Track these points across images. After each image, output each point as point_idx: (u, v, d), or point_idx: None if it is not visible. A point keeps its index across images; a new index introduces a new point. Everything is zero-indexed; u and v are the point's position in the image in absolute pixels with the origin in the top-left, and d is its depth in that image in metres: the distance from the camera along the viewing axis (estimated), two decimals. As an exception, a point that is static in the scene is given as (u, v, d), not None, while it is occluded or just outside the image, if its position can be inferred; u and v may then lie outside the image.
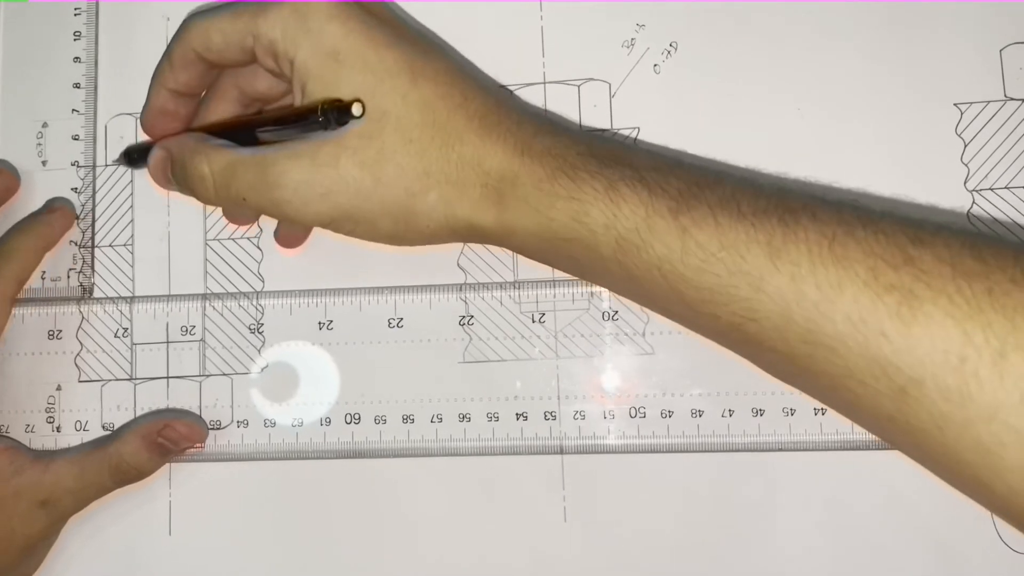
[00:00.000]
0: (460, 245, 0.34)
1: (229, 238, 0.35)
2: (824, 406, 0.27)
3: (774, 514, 0.32)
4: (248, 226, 0.35)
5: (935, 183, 0.32)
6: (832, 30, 0.33)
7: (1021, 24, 0.32)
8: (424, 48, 0.29)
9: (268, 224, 0.35)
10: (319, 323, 0.34)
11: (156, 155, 0.31)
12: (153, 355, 0.35)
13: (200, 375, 0.35)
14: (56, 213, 0.35)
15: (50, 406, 0.35)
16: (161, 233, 0.35)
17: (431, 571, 0.33)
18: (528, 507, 0.33)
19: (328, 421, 0.34)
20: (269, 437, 0.34)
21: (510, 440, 0.33)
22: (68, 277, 0.35)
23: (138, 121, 0.35)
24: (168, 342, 0.35)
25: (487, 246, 0.34)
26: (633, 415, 0.33)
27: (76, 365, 0.35)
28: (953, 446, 0.22)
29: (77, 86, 0.36)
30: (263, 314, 0.35)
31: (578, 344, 0.33)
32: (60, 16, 0.36)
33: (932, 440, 0.22)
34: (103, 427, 0.35)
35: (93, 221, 0.36)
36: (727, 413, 0.32)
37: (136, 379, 0.35)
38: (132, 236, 0.35)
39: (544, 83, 0.34)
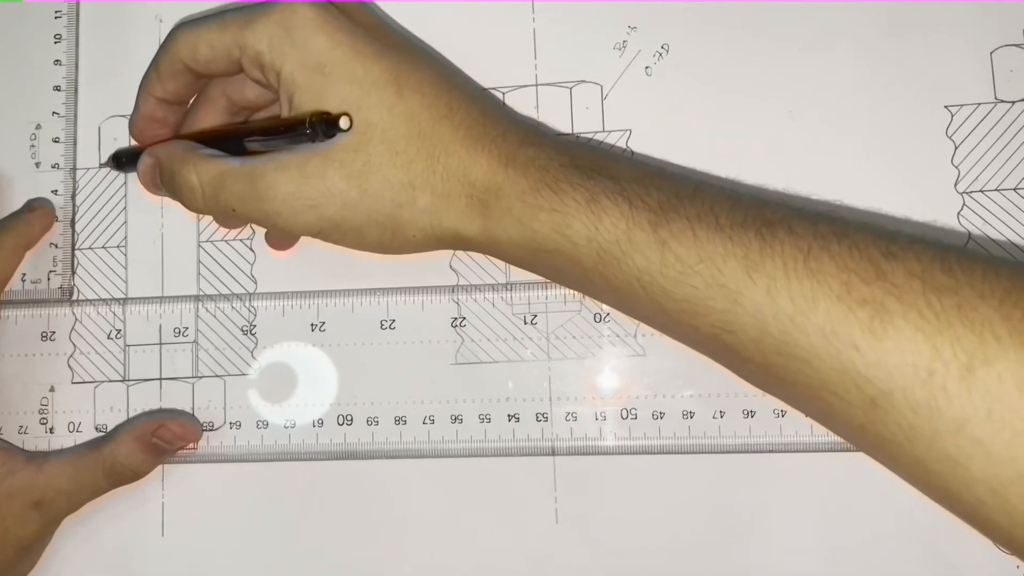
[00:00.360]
0: (452, 247, 0.34)
1: (222, 240, 0.35)
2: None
3: (765, 515, 0.32)
4: (239, 229, 0.35)
5: (926, 185, 0.32)
6: (823, 32, 0.33)
7: (1011, 26, 0.32)
8: (410, 57, 0.29)
9: (260, 227, 0.35)
10: (312, 324, 0.34)
11: (145, 163, 0.31)
12: (146, 356, 0.35)
13: (193, 376, 0.35)
14: (36, 212, 0.35)
15: (43, 407, 0.35)
16: (154, 235, 0.36)
17: (423, 572, 0.33)
18: (520, 508, 0.33)
19: (320, 422, 0.34)
20: (262, 438, 0.34)
21: (502, 441, 0.33)
22: (48, 279, 0.35)
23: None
24: (161, 344, 0.35)
25: (479, 248, 0.34)
26: (625, 416, 0.33)
27: (69, 366, 0.35)
28: (922, 457, 0.22)
29: (58, 89, 0.36)
30: (256, 316, 0.35)
31: (570, 346, 0.33)
32: (43, 18, 0.36)
33: (902, 451, 0.22)
34: (96, 428, 0.35)
35: (73, 223, 0.36)
36: (718, 414, 0.32)
37: (129, 380, 0.35)
38: (125, 238, 0.36)
39: (536, 85, 0.34)
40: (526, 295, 0.33)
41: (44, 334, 0.35)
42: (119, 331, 0.35)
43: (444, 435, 0.33)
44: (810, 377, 0.23)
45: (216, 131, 0.32)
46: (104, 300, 0.35)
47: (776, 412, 0.32)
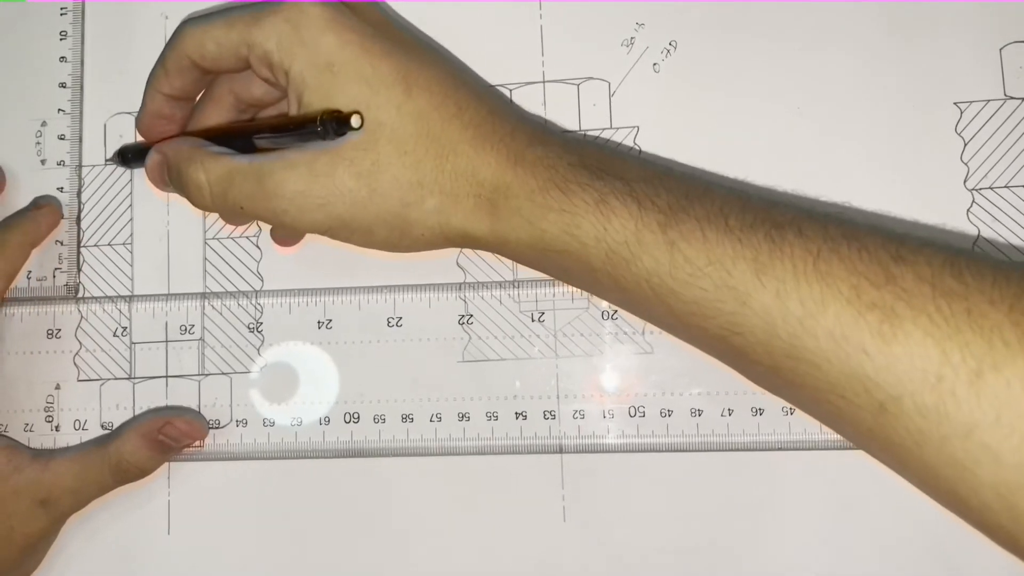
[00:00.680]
0: (459, 244, 0.34)
1: (228, 237, 0.35)
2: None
3: (774, 513, 0.32)
4: (245, 226, 0.35)
5: (935, 182, 0.32)
6: (832, 29, 0.33)
7: (1021, 23, 0.32)
8: (418, 55, 0.29)
9: (266, 223, 0.35)
10: (318, 322, 0.34)
11: (153, 159, 0.31)
12: (152, 354, 0.35)
13: (199, 374, 0.35)
14: (43, 210, 0.35)
15: (49, 405, 0.35)
16: (160, 232, 0.35)
17: (430, 570, 0.33)
18: (527, 506, 0.33)
19: (327, 420, 0.34)
20: (268, 436, 0.34)
21: (509, 439, 0.33)
22: (54, 276, 0.35)
23: (135, 120, 0.35)
24: (167, 341, 0.35)
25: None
26: (632, 414, 0.33)
27: (75, 364, 0.35)
28: (930, 462, 0.22)
29: (63, 86, 0.36)
30: (262, 313, 0.35)
31: (577, 343, 0.33)
32: (48, 15, 0.36)
33: (910, 455, 0.22)
34: (102, 426, 0.35)
35: (79, 220, 0.36)
36: (727, 412, 0.32)
37: (135, 378, 0.35)
38: (131, 235, 0.35)
39: (543, 82, 0.34)
40: (533, 292, 0.33)
41: (50, 332, 0.35)
42: (125, 328, 0.35)
43: (451, 433, 0.33)
44: (819, 380, 0.23)
45: (224, 128, 0.32)
46: (110, 297, 0.35)
47: (785, 410, 0.32)
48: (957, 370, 0.21)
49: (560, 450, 0.33)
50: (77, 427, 0.35)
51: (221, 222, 0.35)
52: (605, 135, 0.34)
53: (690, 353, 0.32)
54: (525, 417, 0.33)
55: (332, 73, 0.28)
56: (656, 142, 0.33)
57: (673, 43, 0.34)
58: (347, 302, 0.34)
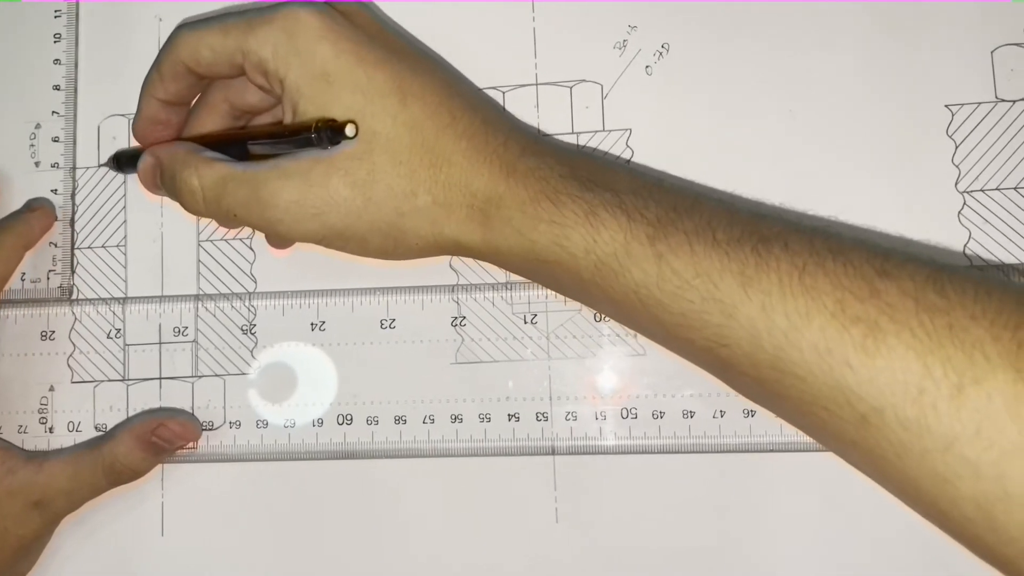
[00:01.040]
0: (452, 246, 0.34)
1: (222, 239, 0.35)
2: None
3: (766, 515, 0.32)
4: (239, 229, 0.35)
5: (926, 184, 0.32)
6: (824, 31, 0.33)
7: (1012, 25, 0.32)
8: (413, 63, 0.29)
9: (260, 231, 0.35)
10: (311, 324, 0.34)
11: (146, 163, 0.31)
12: (146, 356, 0.35)
13: (193, 376, 0.35)
14: (36, 212, 0.35)
15: (43, 407, 0.35)
16: (154, 234, 0.36)
17: (423, 572, 0.33)
18: (520, 508, 0.33)
19: (320, 422, 0.34)
20: (262, 438, 0.34)
21: (502, 441, 0.33)
22: (48, 278, 0.35)
23: (130, 121, 0.36)
24: (161, 343, 0.35)
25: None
26: (625, 416, 0.33)
27: (69, 366, 0.35)
28: (911, 474, 0.22)
29: (57, 88, 0.36)
30: (256, 315, 0.35)
31: (570, 345, 0.33)
32: (42, 18, 0.36)
33: (892, 467, 0.23)
34: (96, 428, 0.35)
35: (73, 223, 0.36)
36: (719, 414, 0.32)
37: (129, 380, 0.35)
38: (125, 237, 0.36)
39: (536, 84, 0.34)
40: (526, 294, 0.33)
41: (44, 333, 0.35)
42: (119, 330, 0.35)
43: (444, 434, 0.33)
44: (803, 392, 0.24)
45: (219, 135, 0.32)
46: (104, 299, 0.35)
47: (776, 411, 0.32)
48: (939, 384, 0.21)
49: (552, 451, 0.33)
50: (71, 429, 0.35)
51: (215, 224, 0.35)
52: (597, 138, 0.34)
53: (682, 355, 0.32)
54: (518, 419, 0.33)
55: (327, 82, 0.28)
56: (649, 145, 0.34)
57: (666, 46, 0.34)
58: (340, 304, 0.34)
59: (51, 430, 0.35)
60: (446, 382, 0.33)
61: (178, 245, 0.35)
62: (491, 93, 0.34)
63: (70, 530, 0.34)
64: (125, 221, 0.36)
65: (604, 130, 0.34)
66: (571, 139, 0.34)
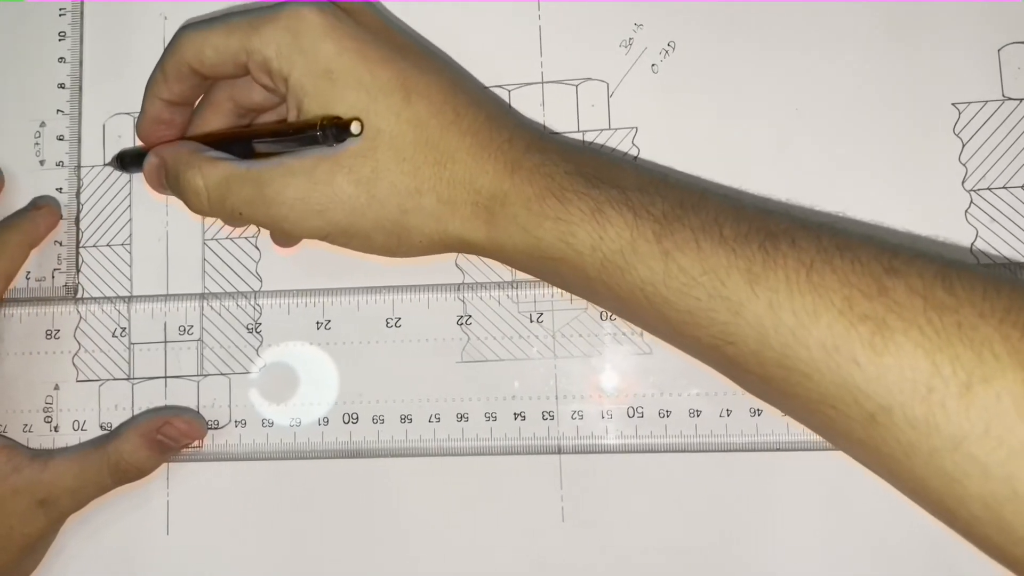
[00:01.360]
0: (458, 245, 0.34)
1: (227, 238, 0.35)
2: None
3: (772, 514, 0.32)
4: (244, 227, 0.35)
5: (933, 182, 0.32)
6: (830, 30, 0.33)
7: (1019, 24, 0.32)
8: (417, 61, 0.29)
9: (265, 229, 0.35)
10: (317, 323, 0.34)
11: (151, 163, 0.31)
12: (151, 355, 0.35)
13: (198, 375, 0.35)
14: (42, 210, 0.35)
15: (48, 406, 0.35)
16: (159, 232, 0.35)
17: (428, 571, 0.33)
18: (526, 507, 0.33)
19: (326, 421, 0.34)
20: (267, 437, 0.34)
21: (508, 440, 0.33)
22: (53, 277, 0.35)
23: (135, 119, 0.36)
24: (166, 342, 0.35)
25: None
26: (631, 415, 0.33)
27: (74, 365, 0.35)
28: (919, 473, 0.22)
29: (62, 86, 0.36)
30: (261, 314, 0.35)
31: (576, 344, 0.33)
32: (47, 16, 0.36)
33: (900, 466, 0.23)
34: (101, 427, 0.35)
35: (78, 221, 0.36)
36: (725, 413, 0.32)
37: (134, 379, 0.35)
38: (130, 235, 0.36)
39: (542, 83, 0.34)
40: (532, 293, 0.33)
41: (49, 332, 0.35)
42: (124, 329, 0.35)
43: (450, 433, 0.33)
44: (810, 391, 0.24)
45: (223, 133, 0.32)
46: (109, 298, 0.35)
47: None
48: (947, 382, 0.21)
49: (559, 451, 0.33)
50: (76, 428, 0.35)
51: (220, 223, 0.35)
52: (603, 136, 0.34)
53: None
54: (524, 418, 0.33)
55: (331, 80, 0.28)
56: (654, 143, 0.33)
57: (672, 44, 0.34)
58: (346, 303, 0.34)
59: (56, 429, 0.35)
60: (452, 381, 0.33)
61: (183, 243, 0.35)
62: (497, 91, 0.34)
63: (75, 529, 0.34)
64: (130, 220, 0.36)
65: (610, 128, 0.34)
66: (577, 137, 0.34)
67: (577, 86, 0.34)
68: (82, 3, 0.37)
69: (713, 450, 0.32)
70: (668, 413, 0.32)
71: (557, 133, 0.34)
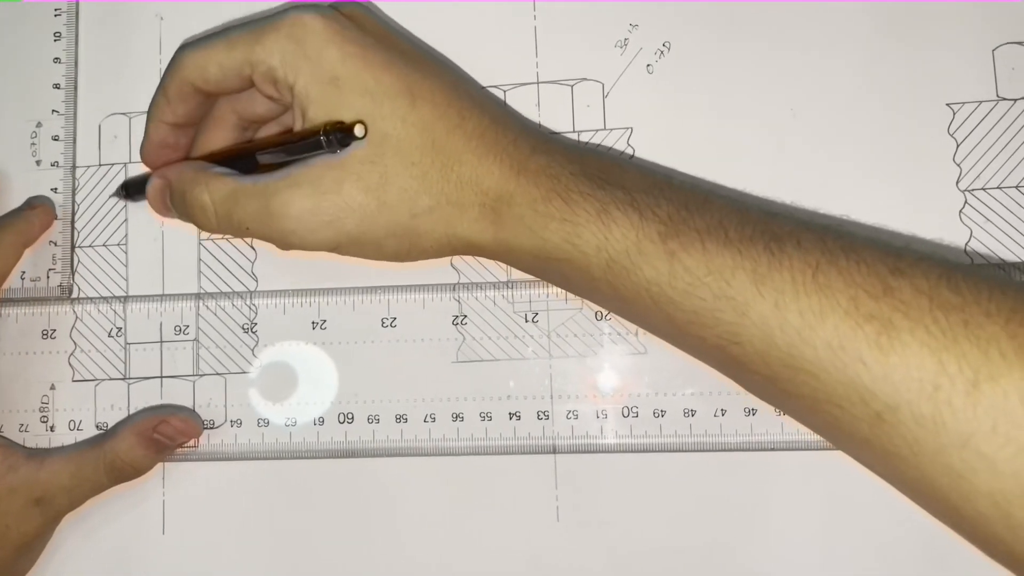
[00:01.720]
0: (453, 245, 0.34)
1: (223, 238, 0.35)
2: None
3: (767, 513, 0.32)
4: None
5: (927, 183, 0.32)
6: (825, 30, 0.33)
7: (1013, 24, 0.32)
8: (420, 65, 0.29)
9: (273, 244, 0.35)
10: (312, 323, 0.34)
11: (155, 185, 0.31)
12: (147, 355, 0.35)
13: (194, 375, 0.35)
14: (36, 210, 0.35)
15: (44, 406, 0.35)
16: (155, 232, 0.35)
17: (424, 571, 0.33)
18: (521, 507, 0.33)
19: (321, 421, 0.34)
20: (263, 437, 0.34)
21: (503, 440, 0.33)
22: (48, 277, 0.35)
23: (131, 119, 0.36)
24: (162, 341, 0.35)
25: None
26: (626, 415, 0.33)
27: (70, 364, 0.35)
28: (926, 471, 0.22)
29: (57, 87, 0.36)
30: (257, 314, 0.35)
31: (571, 344, 0.33)
32: (43, 16, 0.36)
33: (906, 465, 0.23)
34: (97, 427, 0.35)
35: (73, 221, 0.36)
36: (720, 412, 0.32)
37: (130, 379, 0.35)
38: (126, 235, 0.36)
39: (537, 83, 0.34)
40: (527, 293, 0.33)
41: (44, 332, 0.35)
42: (120, 329, 0.35)
43: (445, 433, 0.33)
44: (816, 390, 0.24)
45: (227, 150, 0.32)
46: (104, 298, 0.35)
47: (777, 410, 0.32)
48: (954, 380, 0.21)
49: (554, 450, 0.33)
50: (72, 427, 0.35)
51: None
52: (599, 136, 0.34)
53: (684, 354, 0.32)
54: (519, 417, 0.33)
55: (336, 86, 0.28)
56: (650, 143, 0.34)
57: (667, 44, 0.34)
58: (341, 302, 0.34)
59: (52, 429, 0.35)
60: (447, 381, 0.33)
61: (179, 243, 0.35)
62: (492, 91, 0.34)
63: (71, 528, 0.34)
64: (126, 220, 0.36)
65: (605, 128, 0.34)
66: (572, 137, 0.34)
67: (572, 86, 0.34)
68: (78, 3, 0.37)
69: (708, 450, 0.32)
70: (663, 413, 0.33)
71: (555, 133, 0.34)
